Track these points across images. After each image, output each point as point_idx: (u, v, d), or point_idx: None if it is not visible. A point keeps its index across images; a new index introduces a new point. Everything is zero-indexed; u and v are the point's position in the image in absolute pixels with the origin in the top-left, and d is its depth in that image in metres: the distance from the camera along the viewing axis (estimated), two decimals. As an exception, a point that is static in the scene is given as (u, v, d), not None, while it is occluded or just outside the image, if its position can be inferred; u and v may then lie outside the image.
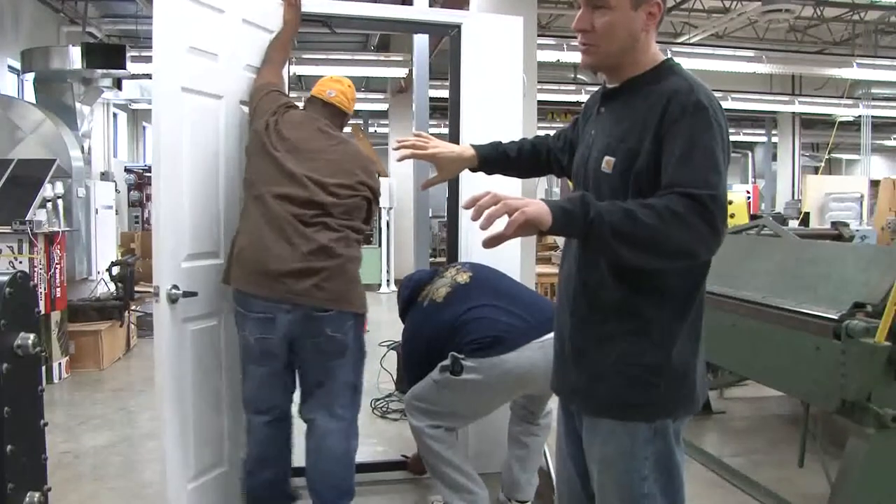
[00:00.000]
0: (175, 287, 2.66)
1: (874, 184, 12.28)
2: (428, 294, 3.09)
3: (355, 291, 2.71)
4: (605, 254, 1.56)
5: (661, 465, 1.64)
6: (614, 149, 1.62)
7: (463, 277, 3.07)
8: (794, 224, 10.21)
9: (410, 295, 3.22)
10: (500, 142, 2.14)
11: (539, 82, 7.13)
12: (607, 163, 1.62)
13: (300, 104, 2.99)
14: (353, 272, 2.70)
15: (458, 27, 3.58)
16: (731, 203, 10.92)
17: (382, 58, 11.80)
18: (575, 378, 1.73)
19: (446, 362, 2.82)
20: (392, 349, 5.45)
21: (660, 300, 1.60)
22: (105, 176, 10.65)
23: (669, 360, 1.61)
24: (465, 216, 3.60)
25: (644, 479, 1.64)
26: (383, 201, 11.54)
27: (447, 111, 3.69)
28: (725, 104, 14.91)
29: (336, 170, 2.73)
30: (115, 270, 6.52)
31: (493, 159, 2.11)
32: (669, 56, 1.70)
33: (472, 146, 2.11)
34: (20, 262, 5.39)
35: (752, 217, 10.17)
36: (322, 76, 3.11)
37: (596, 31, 1.62)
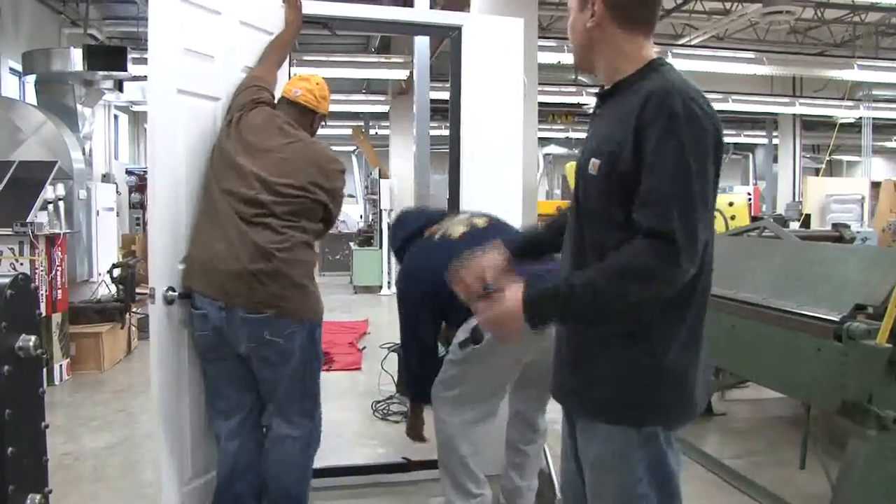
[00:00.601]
0: (171, 289, 2.66)
1: (875, 185, 12.28)
2: (440, 230, 2.98)
3: (299, 296, 2.60)
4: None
5: (654, 467, 1.64)
6: (599, 151, 1.63)
7: (481, 222, 2.99)
8: (794, 226, 10.21)
9: (416, 230, 3.10)
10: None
11: (539, 84, 7.13)
12: (593, 165, 1.62)
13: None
14: (295, 276, 2.58)
15: (458, 29, 3.59)
16: (731, 205, 10.99)
17: (383, 60, 11.81)
18: (571, 381, 1.74)
19: (464, 337, 2.75)
20: (392, 351, 5.45)
21: (657, 304, 1.58)
22: (106, 178, 10.64)
23: (665, 364, 1.60)
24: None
25: (639, 481, 1.64)
26: (384, 202, 11.54)
27: (448, 113, 3.70)
28: (726, 105, 14.75)
29: (286, 169, 2.65)
30: (116, 272, 6.52)
31: (525, 248, 2.10)
32: (659, 57, 1.69)
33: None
34: (21, 264, 5.40)
35: (753, 219, 10.18)
36: (309, 77, 3.00)
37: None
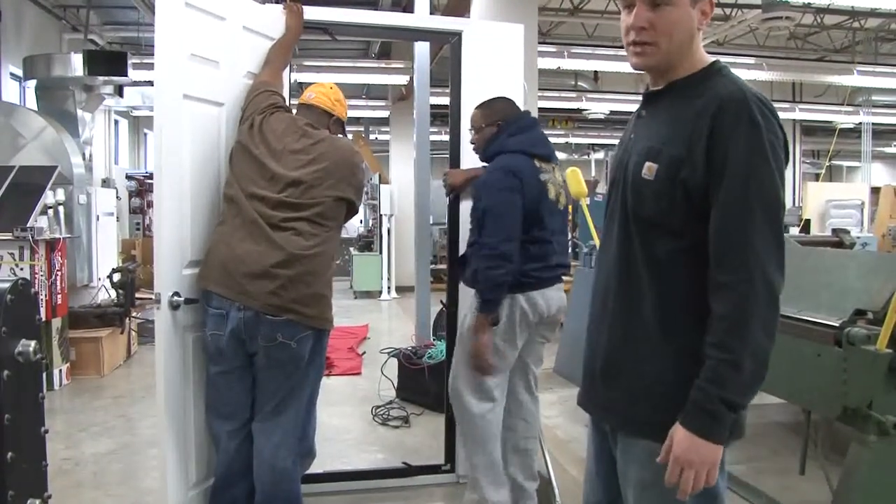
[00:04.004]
0: (176, 294, 2.66)
1: (875, 191, 12.27)
2: (546, 174, 3.07)
3: (316, 304, 2.62)
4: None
5: (703, 490, 1.52)
6: (657, 154, 1.55)
7: (563, 199, 3.15)
8: (794, 231, 10.20)
9: (522, 150, 3.08)
10: None
11: (539, 89, 7.16)
12: (649, 169, 1.55)
13: (293, 108, 2.99)
14: (316, 285, 2.62)
15: (458, 35, 3.60)
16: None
17: (383, 65, 11.82)
18: (608, 395, 1.66)
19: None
20: (393, 356, 5.45)
21: (703, 319, 1.50)
22: (106, 183, 10.66)
23: None
24: (464, 223, 3.60)
25: None
26: (384, 208, 11.55)
27: (448, 118, 3.70)
28: (726, 111, 14.78)
29: (315, 170, 2.68)
30: (116, 277, 6.51)
31: None
32: (717, 60, 1.62)
33: None
34: (21, 269, 5.40)
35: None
36: (323, 83, 3.10)
37: (656, 28, 1.55)
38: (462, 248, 3.59)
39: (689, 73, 1.59)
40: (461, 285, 3.61)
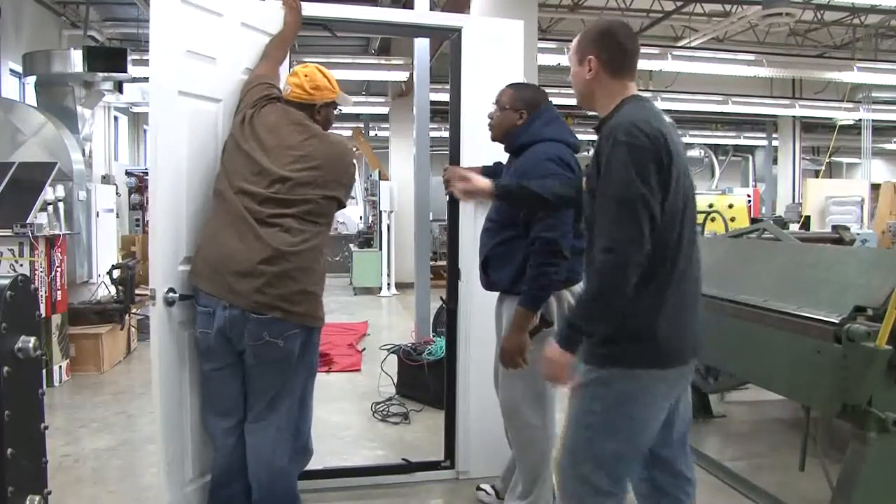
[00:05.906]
0: (172, 290, 2.66)
1: (875, 187, 12.27)
2: None
3: (304, 302, 2.59)
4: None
5: (615, 406, 2.07)
6: (586, 173, 2.15)
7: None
8: (794, 228, 10.20)
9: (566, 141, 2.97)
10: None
11: (539, 85, 7.12)
12: (585, 183, 2.18)
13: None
14: (305, 281, 2.59)
15: (458, 31, 3.59)
16: (731, 207, 11.01)
17: (383, 61, 11.81)
18: None
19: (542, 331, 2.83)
20: (392, 352, 5.45)
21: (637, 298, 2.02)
22: (106, 179, 10.63)
23: (625, 325, 2.03)
24: (464, 219, 3.60)
25: (591, 413, 2.10)
26: (384, 204, 11.54)
27: (448, 114, 3.69)
28: (726, 108, 14.77)
29: (305, 167, 2.64)
30: (116, 273, 6.51)
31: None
32: (631, 95, 2.13)
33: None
34: (21, 266, 5.40)
35: (753, 221, 10.18)
36: (297, 71, 2.94)
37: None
38: (462, 247, 3.59)
39: (610, 110, 2.13)
40: (461, 282, 3.61)
